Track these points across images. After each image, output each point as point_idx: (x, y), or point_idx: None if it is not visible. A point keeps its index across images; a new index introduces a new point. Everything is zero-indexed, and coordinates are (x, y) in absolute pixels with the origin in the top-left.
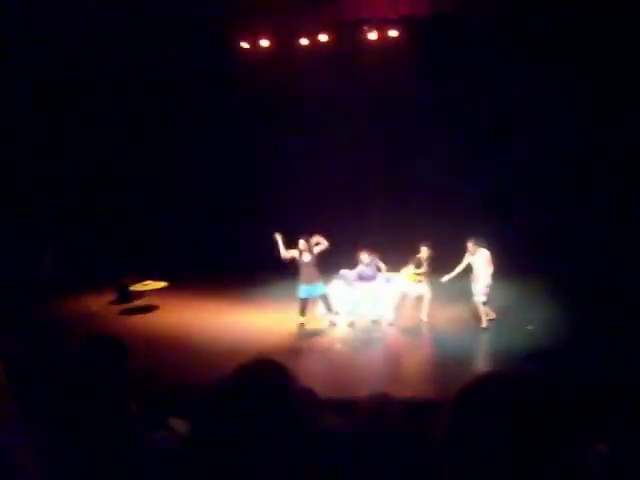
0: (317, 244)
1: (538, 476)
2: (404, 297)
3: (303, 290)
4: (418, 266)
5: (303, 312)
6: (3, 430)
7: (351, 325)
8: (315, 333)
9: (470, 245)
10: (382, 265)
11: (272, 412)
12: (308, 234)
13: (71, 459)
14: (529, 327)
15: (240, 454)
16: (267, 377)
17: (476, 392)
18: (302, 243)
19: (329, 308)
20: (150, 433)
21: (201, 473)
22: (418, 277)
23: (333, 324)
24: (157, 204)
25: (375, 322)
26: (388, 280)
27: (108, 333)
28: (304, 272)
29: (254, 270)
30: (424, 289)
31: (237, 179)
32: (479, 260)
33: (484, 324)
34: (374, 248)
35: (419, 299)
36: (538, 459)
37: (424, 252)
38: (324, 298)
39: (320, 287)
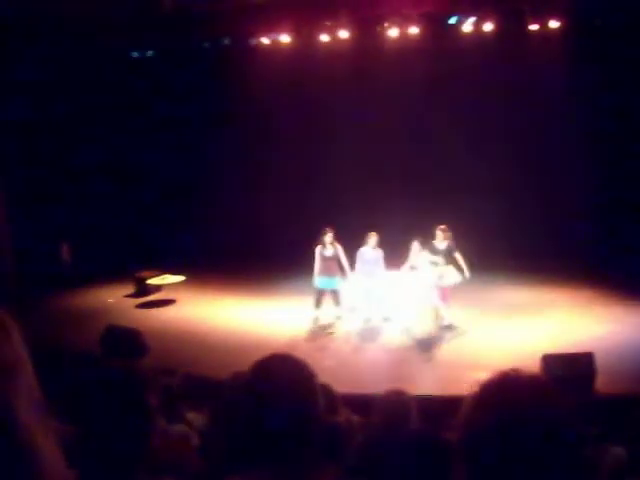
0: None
1: (554, 475)
2: (428, 294)
3: (319, 281)
4: (434, 253)
5: (318, 304)
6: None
7: (367, 322)
8: (329, 328)
9: (415, 245)
10: (382, 263)
11: (291, 408)
12: (334, 227)
13: (88, 450)
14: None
15: (259, 448)
16: (287, 372)
17: (494, 391)
18: (329, 236)
19: (337, 303)
20: (169, 426)
21: (220, 466)
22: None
23: (339, 318)
24: (176, 197)
25: (387, 319)
26: (398, 279)
27: (126, 325)
28: (323, 264)
29: (272, 263)
30: (449, 281)
31: (253, 172)
32: (422, 260)
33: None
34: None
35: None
36: (554, 458)
37: (440, 237)
38: (335, 293)
39: (336, 281)
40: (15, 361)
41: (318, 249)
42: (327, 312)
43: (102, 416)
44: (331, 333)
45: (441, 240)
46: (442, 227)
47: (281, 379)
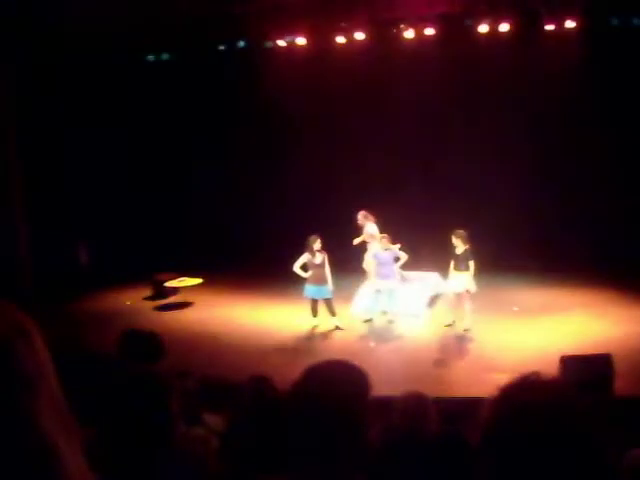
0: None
1: (574, 478)
2: (438, 296)
3: (309, 290)
4: (456, 261)
5: (315, 313)
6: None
7: (390, 322)
8: (341, 332)
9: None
10: (402, 254)
11: (339, 423)
12: (321, 234)
13: (110, 454)
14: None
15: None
16: (349, 383)
17: (515, 394)
18: (317, 243)
19: (332, 313)
20: (187, 429)
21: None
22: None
23: (339, 328)
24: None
25: (391, 321)
26: (405, 279)
27: (144, 328)
28: (313, 273)
29: (290, 266)
30: (461, 286)
31: (269, 178)
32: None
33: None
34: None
35: (457, 298)
36: (574, 461)
37: (459, 242)
38: (328, 302)
39: (326, 290)
40: (37, 371)
41: (306, 257)
42: (327, 319)
43: (124, 420)
44: (344, 335)
45: (460, 246)
46: (459, 232)
47: (337, 389)
